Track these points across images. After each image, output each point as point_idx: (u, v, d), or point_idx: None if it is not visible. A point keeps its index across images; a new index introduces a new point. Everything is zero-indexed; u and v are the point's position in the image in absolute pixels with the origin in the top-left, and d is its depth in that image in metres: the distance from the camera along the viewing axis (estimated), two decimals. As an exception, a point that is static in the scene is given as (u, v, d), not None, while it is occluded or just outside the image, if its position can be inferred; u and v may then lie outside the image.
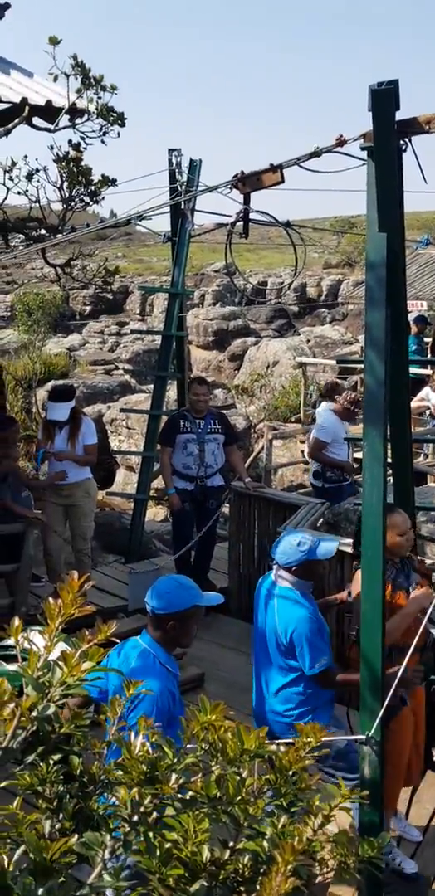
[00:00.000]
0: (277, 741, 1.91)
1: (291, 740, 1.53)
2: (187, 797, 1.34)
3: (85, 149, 6.65)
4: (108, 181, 6.88)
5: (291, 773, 1.38)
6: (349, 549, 4.79)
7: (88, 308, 31.08)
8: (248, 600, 6.93)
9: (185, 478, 6.69)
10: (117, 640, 1.44)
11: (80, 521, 6.41)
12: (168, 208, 7.81)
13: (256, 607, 3.56)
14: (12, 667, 4.25)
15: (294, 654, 3.33)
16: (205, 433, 6.65)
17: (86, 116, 6.34)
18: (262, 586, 3.58)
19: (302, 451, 12.66)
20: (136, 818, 1.30)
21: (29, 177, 6.69)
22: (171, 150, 7.47)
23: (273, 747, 1.42)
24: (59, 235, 6.62)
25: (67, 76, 6.15)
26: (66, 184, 6.69)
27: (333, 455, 7.52)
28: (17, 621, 1.50)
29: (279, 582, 3.48)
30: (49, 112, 6.19)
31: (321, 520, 5.89)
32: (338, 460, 7.53)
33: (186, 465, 6.65)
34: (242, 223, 8.52)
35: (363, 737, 3.02)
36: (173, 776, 1.33)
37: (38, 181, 6.66)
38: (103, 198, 7.09)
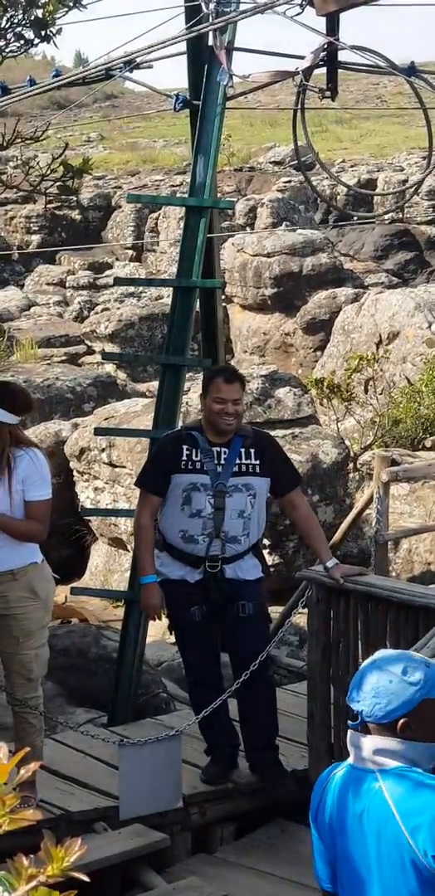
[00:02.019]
0: None
1: None
2: None
3: None
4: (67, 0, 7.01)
5: None
6: None
7: (36, 238, 31.51)
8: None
9: (185, 558, 6.72)
10: (86, 878, 1.44)
11: (19, 645, 6.44)
12: (183, 46, 7.91)
13: (327, 821, 3.54)
14: None
15: None
16: (228, 473, 6.68)
17: None
18: (335, 782, 3.54)
19: (447, 505, 12.53)
20: None
21: None
22: None
23: None
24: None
25: None
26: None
27: None
28: None
29: (377, 761, 3.45)
30: None
31: None
32: None
33: (188, 532, 6.69)
34: (325, 70, 8.63)
35: None
36: None
37: None
38: (60, 31, 7.17)
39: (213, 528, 6.62)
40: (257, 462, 6.70)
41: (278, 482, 6.82)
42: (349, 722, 3.50)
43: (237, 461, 6.67)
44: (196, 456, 6.66)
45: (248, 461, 6.70)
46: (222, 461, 6.66)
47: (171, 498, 6.69)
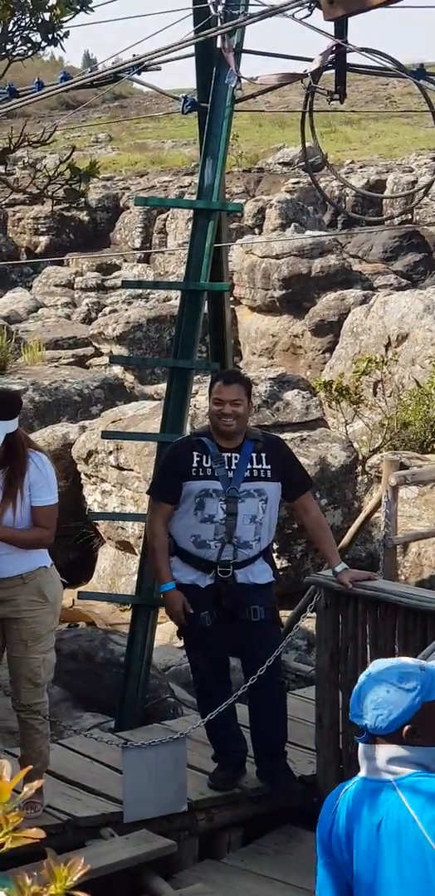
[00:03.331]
0: None
1: None
2: None
3: None
4: (74, 3, 7.01)
5: None
6: None
7: (44, 240, 31.54)
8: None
9: (197, 563, 6.72)
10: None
11: (28, 649, 6.44)
12: (191, 49, 7.91)
13: (344, 839, 3.52)
14: None
15: None
16: (239, 479, 6.68)
17: None
18: (347, 798, 3.52)
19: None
20: None
21: None
22: None
23: None
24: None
25: None
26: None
27: None
28: None
29: (391, 770, 3.44)
30: None
31: None
32: None
33: (200, 538, 6.69)
34: (333, 73, 8.61)
35: None
36: None
37: None
38: (67, 34, 7.17)
39: (226, 534, 6.61)
40: (269, 467, 6.70)
41: (289, 486, 6.81)
42: (356, 737, 3.51)
43: (248, 466, 6.67)
44: (207, 462, 6.65)
45: (259, 466, 6.69)
46: (233, 466, 6.65)
47: (184, 504, 6.68)
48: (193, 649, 6.99)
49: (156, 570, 6.98)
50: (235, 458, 6.67)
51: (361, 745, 3.49)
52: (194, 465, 6.66)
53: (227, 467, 6.65)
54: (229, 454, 6.67)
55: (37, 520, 6.28)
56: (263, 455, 6.72)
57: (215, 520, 6.62)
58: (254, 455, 6.69)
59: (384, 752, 3.43)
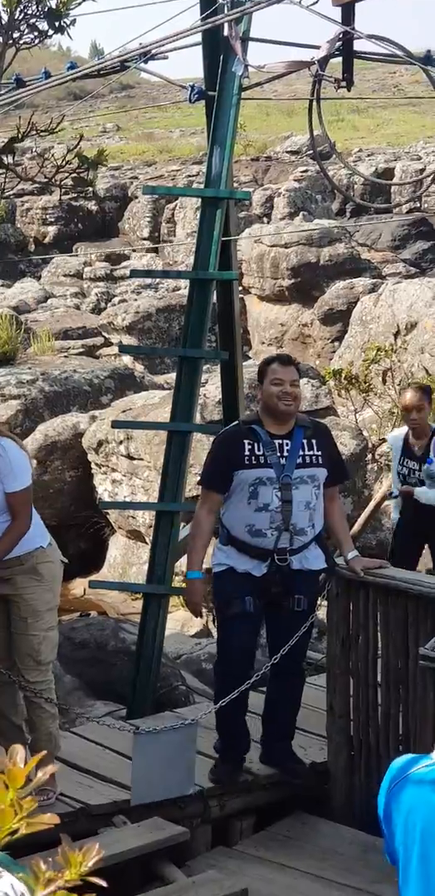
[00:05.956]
0: None
1: None
2: None
3: None
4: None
5: None
6: None
7: (52, 230, 31.54)
8: (366, 794, 6.86)
9: (254, 552, 6.66)
10: (103, 882, 1.42)
11: (27, 626, 6.49)
12: (198, 37, 7.91)
13: (398, 830, 3.54)
14: None
15: None
16: (292, 465, 6.63)
17: None
18: (409, 783, 3.54)
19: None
20: None
21: None
22: None
23: None
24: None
25: None
26: (3, -1, 6.83)
27: None
28: None
29: None
30: None
31: None
32: None
33: (256, 527, 6.62)
34: (341, 60, 8.59)
35: None
36: None
37: None
38: (74, 22, 7.17)
39: (282, 522, 6.55)
40: (320, 453, 6.68)
41: (332, 474, 6.81)
42: None
43: (301, 453, 6.63)
44: (259, 450, 6.59)
45: (311, 452, 6.66)
46: (285, 453, 6.60)
47: (237, 493, 6.62)
48: (229, 632, 6.84)
49: (188, 555, 6.94)
50: (287, 444, 6.62)
51: None
52: (246, 453, 6.59)
53: (278, 454, 6.60)
54: (280, 441, 6.63)
55: (9, 507, 6.40)
56: (314, 441, 6.70)
57: (270, 508, 6.55)
58: (304, 441, 6.66)
59: None
